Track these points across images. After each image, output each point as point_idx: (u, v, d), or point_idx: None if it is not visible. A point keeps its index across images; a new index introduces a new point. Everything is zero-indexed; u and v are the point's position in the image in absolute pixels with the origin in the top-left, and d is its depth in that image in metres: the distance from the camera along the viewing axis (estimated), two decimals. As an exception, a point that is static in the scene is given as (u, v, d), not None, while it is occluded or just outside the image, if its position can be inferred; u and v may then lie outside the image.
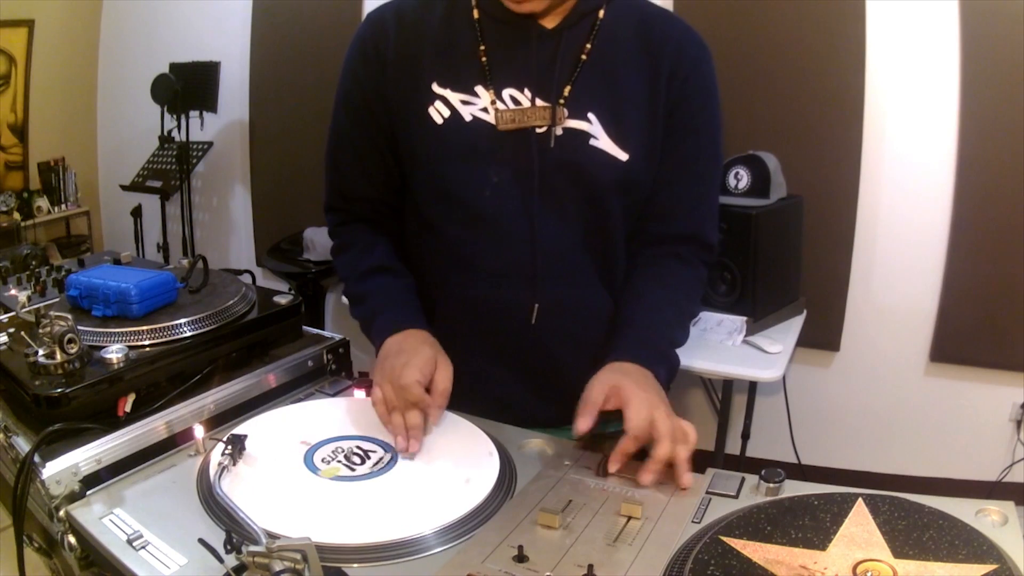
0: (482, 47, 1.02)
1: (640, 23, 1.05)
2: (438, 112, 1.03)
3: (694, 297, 1.14)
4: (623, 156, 1.02)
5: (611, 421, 0.93)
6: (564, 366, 1.10)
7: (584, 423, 0.91)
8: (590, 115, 1.01)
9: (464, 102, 1.02)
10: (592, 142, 1.02)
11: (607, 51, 1.03)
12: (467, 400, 1.02)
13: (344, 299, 2.83)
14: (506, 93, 1.02)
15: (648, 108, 1.04)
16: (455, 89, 1.03)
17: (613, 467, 0.88)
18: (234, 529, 0.71)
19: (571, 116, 1.01)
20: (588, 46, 1.02)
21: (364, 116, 1.09)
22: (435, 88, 1.03)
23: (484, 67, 1.02)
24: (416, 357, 0.96)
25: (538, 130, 1.01)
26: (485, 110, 1.02)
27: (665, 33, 1.05)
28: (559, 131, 1.01)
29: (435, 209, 1.09)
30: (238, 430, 0.92)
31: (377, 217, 1.16)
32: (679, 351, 1.10)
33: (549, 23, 1.02)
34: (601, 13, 1.03)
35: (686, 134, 1.06)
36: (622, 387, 0.92)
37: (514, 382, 1.11)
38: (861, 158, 2.46)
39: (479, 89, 1.02)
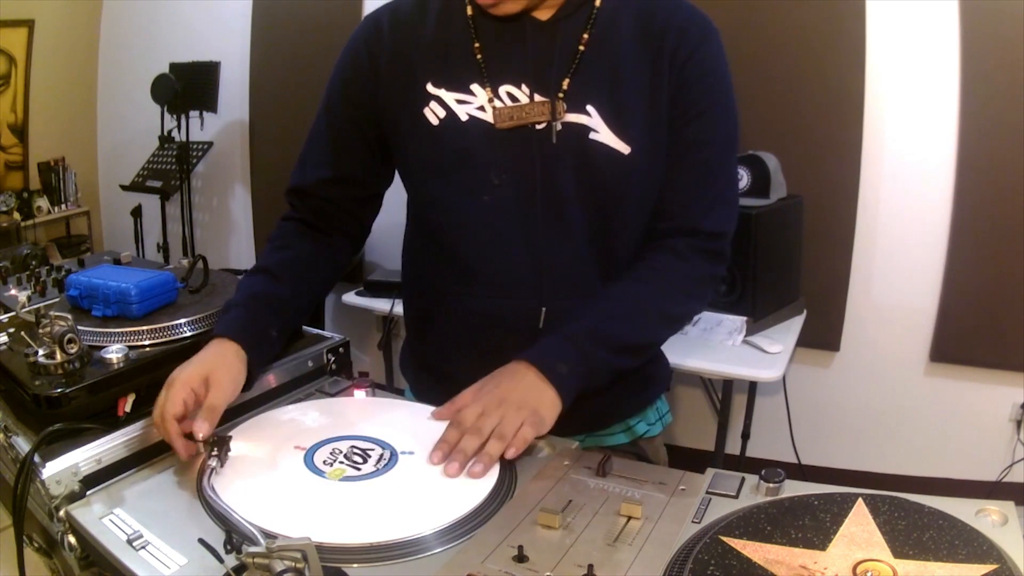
0: (476, 44, 1.00)
1: (641, 10, 1.01)
2: (433, 113, 1.01)
3: (675, 294, 1.04)
4: (625, 149, 0.99)
5: (617, 433, 0.91)
6: None
7: (434, 456, 0.87)
8: (589, 108, 0.98)
9: (459, 101, 1.00)
10: (592, 136, 0.99)
11: (607, 41, 1.00)
12: None
13: (343, 299, 2.84)
14: (503, 90, 0.99)
15: (651, 98, 1.00)
16: (450, 88, 1.00)
17: (435, 457, 0.87)
18: (234, 529, 0.71)
19: (570, 110, 0.98)
20: (585, 36, 0.99)
21: (342, 120, 1.08)
22: (429, 88, 1.01)
23: (479, 64, 1.00)
24: (194, 366, 0.92)
25: (538, 127, 0.99)
26: (482, 108, 0.99)
27: (667, 19, 1.00)
28: (559, 126, 0.98)
29: (433, 217, 1.07)
30: (236, 430, 0.92)
31: (320, 223, 1.14)
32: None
33: (543, 15, 0.99)
34: (598, 1, 1.00)
35: (688, 120, 1.01)
36: (480, 385, 0.94)
37: None
38: (861, 158, 2.46)
39: (475, 87, 1.00)
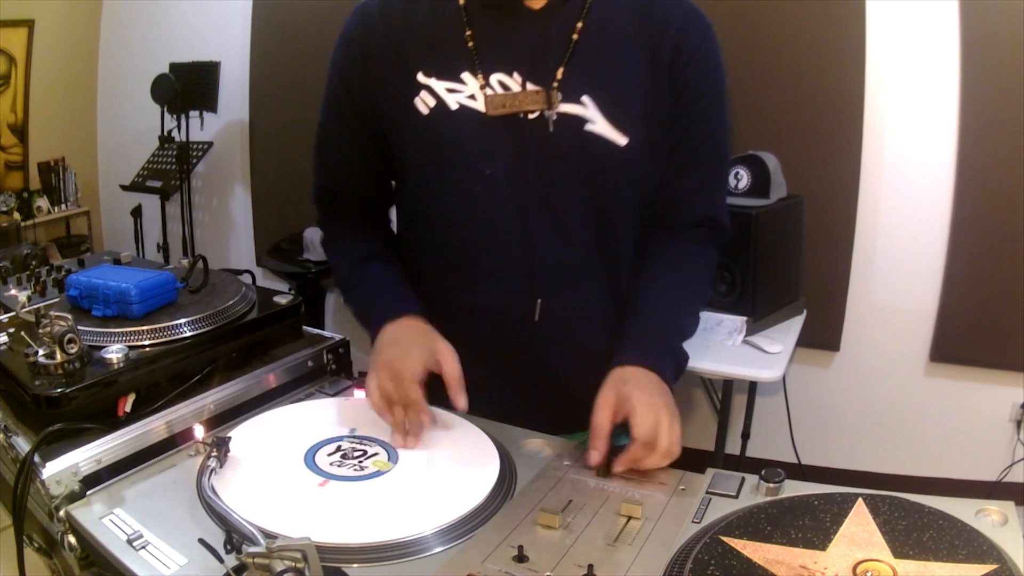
0: (468, 32, 0.99)
1: (638, 1, 1.01)
2: (424, 103, 1.00)
3: (706, 280, 1.13)
4: (622, 140, 0.99)
5: (620, 435, 0.91)
6: (562, 376, 1.08)
7: (595, 456, 0.88)
8: (584, 98, 0.98)
9: (450, 90, 0.99)
10: (588, 127, 0.98)
11: (602, 30, 0.99)
12: None
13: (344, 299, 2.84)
14: (495, 78, 0.98)
15: (649, 90, 1.00)
16: (440, 77, 1.00)
17: (619, 468, 0.87)
18: (234, 529, 0.71)
19: (564, 100, 0.98)
20: (580, 25, 0.98)
21: (348, 114, 1.08)
22: (420, 78, 1.00)
23: (471, 52, 0.99)
24: (415, 348, 0.95)
25: (530, 116, 0.98)
26: (473, 97, 0.99)
27: (667, 13, 1.00)
28: (554, 116, 0.98)
29: (426, 209, 1.07)
30: (236, 431, 0.92)
31: (364, 211, 1.16)
32: (688, 345, 1.08)
33: (536, 3, 0.98)
34: None
35: (694, 118, 1.03)
36: (628, 396, 0.90)
37: (510, 391, 1.08)
38: (861, 158, 2.46)
39: (466, 76, 0.99)
